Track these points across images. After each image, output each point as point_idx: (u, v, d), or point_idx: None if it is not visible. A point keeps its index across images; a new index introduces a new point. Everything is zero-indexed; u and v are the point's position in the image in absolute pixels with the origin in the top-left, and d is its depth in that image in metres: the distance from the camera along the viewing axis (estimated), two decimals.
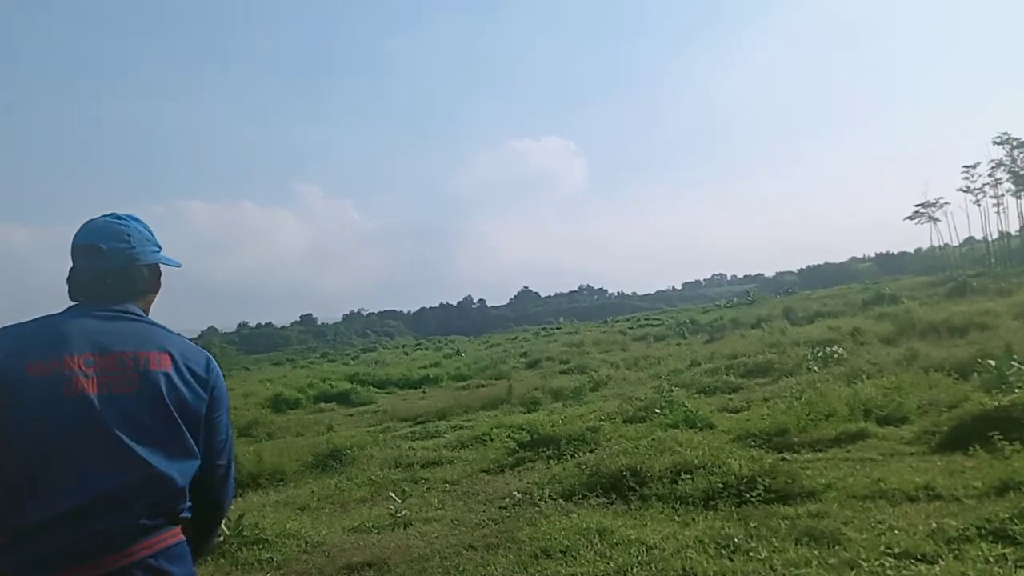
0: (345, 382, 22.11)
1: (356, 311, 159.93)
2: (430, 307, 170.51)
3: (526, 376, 20.01)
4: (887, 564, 3.88)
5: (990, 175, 54.60)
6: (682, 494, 5.56)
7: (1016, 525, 4.08)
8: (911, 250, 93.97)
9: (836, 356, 12.62)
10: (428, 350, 50.82)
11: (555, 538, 4.89)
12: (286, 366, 51.77)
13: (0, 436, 1.61)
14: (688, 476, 5.81)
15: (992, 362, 8.50)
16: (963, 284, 26.87)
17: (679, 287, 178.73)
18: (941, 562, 3.84)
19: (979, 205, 57.50)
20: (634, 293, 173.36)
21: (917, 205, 60.83)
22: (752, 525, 4.72)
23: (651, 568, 4.20)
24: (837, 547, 4.20)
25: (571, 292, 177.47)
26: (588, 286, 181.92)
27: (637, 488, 5.84)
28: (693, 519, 5.08)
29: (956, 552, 3.95)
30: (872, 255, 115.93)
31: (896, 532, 4.31)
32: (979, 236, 60.50)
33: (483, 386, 18.69)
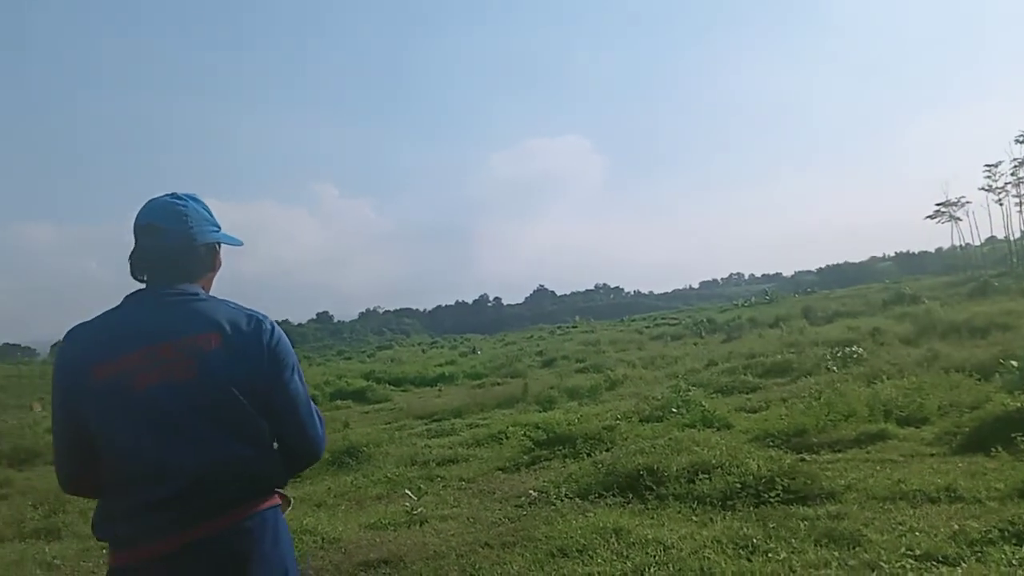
0: (361, 380, 22.20)
1: (372, 309, 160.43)
2: (446, 305, 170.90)
3: (542, 375, 19.99)
4: (908, 566, 3.83)
5: (1012, 174, 53.91)
6: (700, 494, 5.53)
7: None
8: (932, 250, 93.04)
9: (856, 356, 12.50)
10: (444, 348, 50.91)
11: (571, 537, 4.87)
12: (302, 363, 51.81)
13: (88, 435, 1.76)
14: (706, 476, 5.77)
15: (1014, 363, 8.39)
16: (985, 284, 26.60)
17: (696, 286, 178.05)
18: (963, 564, 3.78)
19: (1001, 204, 56.72)
20: (651, 292, 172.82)
21: (938, 204, 60.18)
22: (771, 526, 4.68)
23: (668, 568, 4.17)
24: (857, 548, 4.16)
25: (587, 291, 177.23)
26: (604, 285, 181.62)
27: (654, 487, 5.81)
28: (711, 519, 5.05)
29: (979, 554, 3.89)
30: (892, 254, 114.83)
31: (917, 534, 4.26)
32: (1001, 235, 59.74)
33: (499, 384, 18.68)
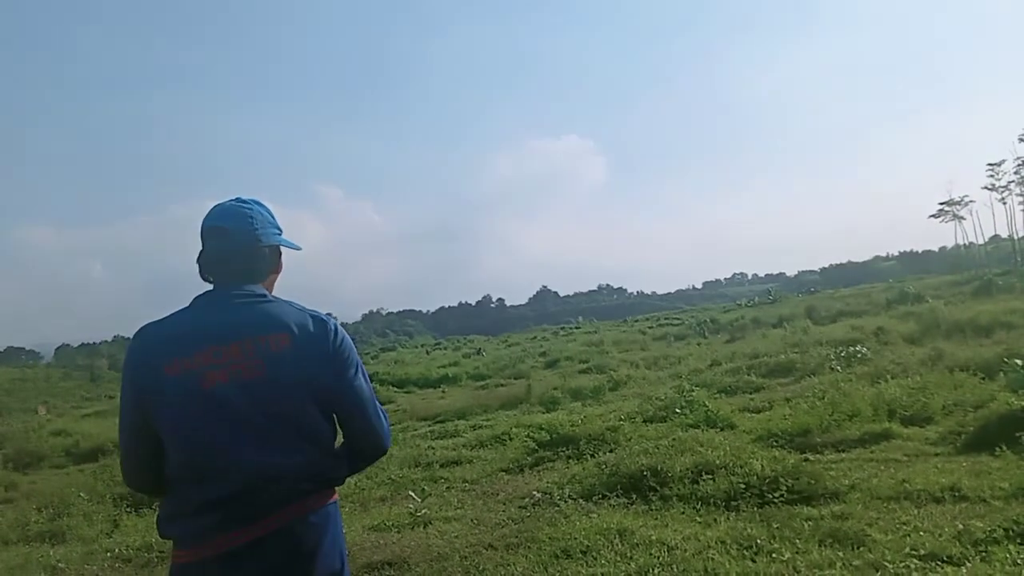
0: None
1: (375, 311, 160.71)
2: (449, 307, 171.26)
3: (545, 376, 20.00)
4: (912, 566, 3.82)
5: (1016, 172, 53.87)
6: (703, 494, 5.52)
7: None
8: (935, 248, 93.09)
9: (859, 356, 12.49)
10: (447, 349, 50.92)
11: (575, 538, 4.86)
12: None
13: (161, 432, 1.81)
14: (709, 476, 5.76)
15: (1019, 362, 8.36)
16: (989, 283, 26.49)
17: (699, 286, 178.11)
18: (968, 564, 3.77)
19: (1005, 203, 56.73)
20: (654, 292, 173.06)
21: (941, 203, 60.25)
22: (775, 526, 4.67)
23: (672, 569, 4.17)
24: (861, 548, 4.15)
25: (590, 291, 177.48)
26: (607, 285, 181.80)
27: (658, 488, 5.81)
28: (715, 520, 5.04)
29: (983, 554, 3.88)
30: (896, 254, 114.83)
31: (921, 534, 4.25)
32: (1005, 234, 59.73)
33: (502, 385, 18.71)
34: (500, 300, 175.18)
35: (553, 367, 22.89)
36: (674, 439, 6.96)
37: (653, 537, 4.69)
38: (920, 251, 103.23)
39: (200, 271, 1.97)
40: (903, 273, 76.40)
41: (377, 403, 2.07)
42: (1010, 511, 4.42)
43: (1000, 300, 19.44)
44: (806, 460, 6.15)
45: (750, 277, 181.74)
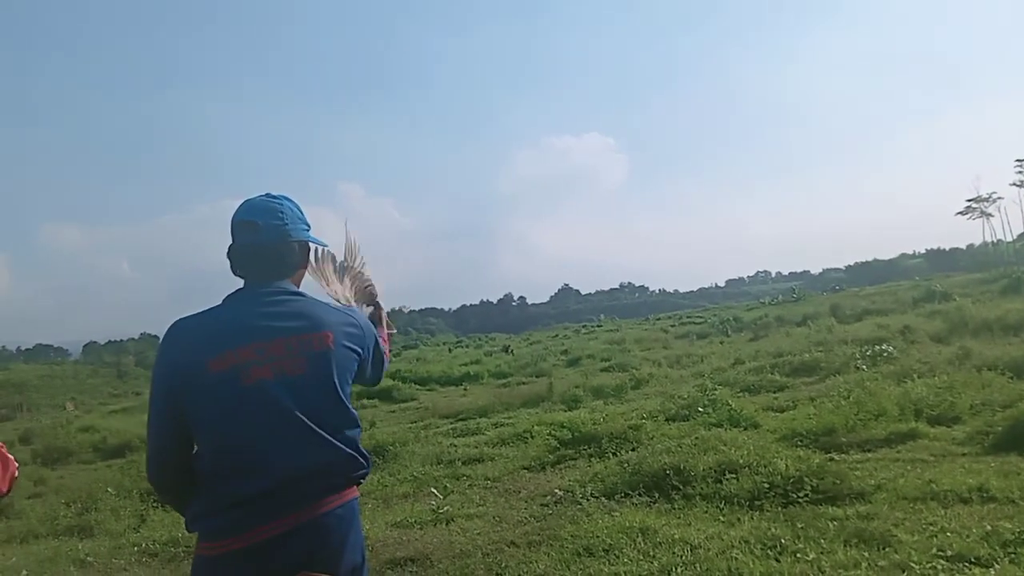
0: (387, 379, 22.29)
1: (397, 308, 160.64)
2: (471, 304, 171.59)
3: (567, 374, 19.99)
4: (940, 567, 3.78)
5: None
6: (727, 494, 5.48)
7: None
8: (963, 246, 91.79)
9: (885, 355, 12.35)
10: (469, 348, 51.03)
11: (597, 536, 4.86)
12: None
13: (198, 427, 1.83)
14: (733, 475, 5.73)
15: None
16: (1017, 281, 26.10)
17: (722, 284, 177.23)
18: (996, 566, 3.72)
19: None
20: (676, 290, 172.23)
21: (969, 200, 59.62)
22: (799, 526, 4.64)
23: (696, 568, 4.15)
24: (887, 549, 4.10)
25: (612, 289, 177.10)
26: (629, 283, 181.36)
27: (681, 487, 5.78)
28: (738, 519, 5.01)
29: (1012, 556, 3.82)
30: (923, 251, 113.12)
31: (948, 534, 4.19)
32: None
33: (524, 384, 18.70)
34: (522, 298, 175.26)
35: (575, 365, 22.87)
36: (697, 438, 6.93)
37: (676, 536, 4.67)
38: (947, 248, 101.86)
39: (231, 265, 2.00)
40: (930, 271, 75.42)
41: (385, 355, 2.31)
42: None
43: None
44: (831, 460, 6.09)
45: (774, 275, 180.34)
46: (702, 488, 5.68)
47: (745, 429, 7.93)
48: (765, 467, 5.70)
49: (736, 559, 4.16)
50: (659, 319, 58.26)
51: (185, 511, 1.91)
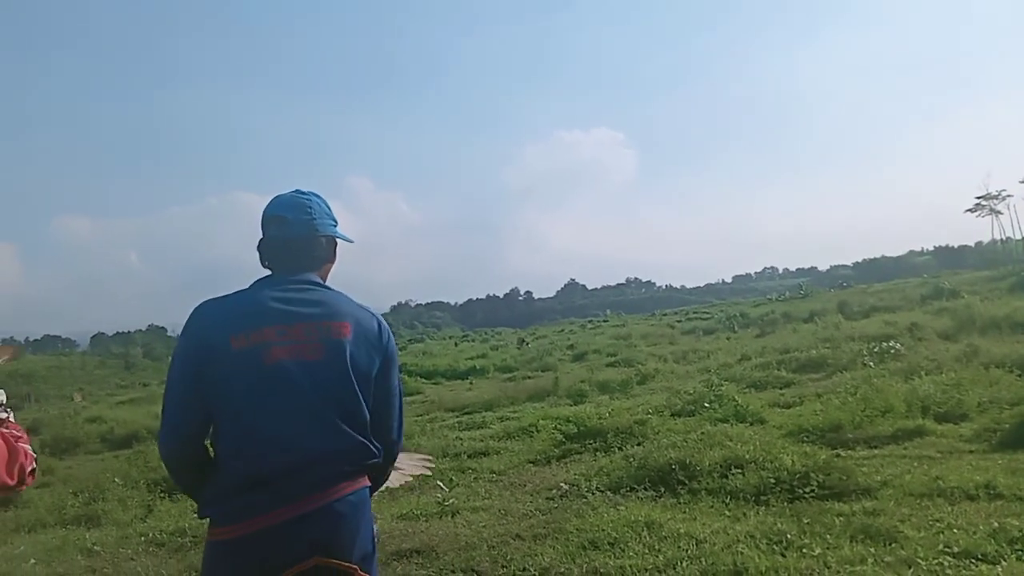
0: None
1: (404, 302, 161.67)
2: (477, 299, 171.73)
3: (572, 368, 19.99)
4: (946, 563, 3.77)
5: None
6: (732, 489, 5.48)
7: None
8: (972, 243, 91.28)
9: (893, 352, 12.31)
10: (475, 342, 51.07)
11: (603, 530, 4.86)
12: None
13: (216, 402, 1.85)
14: (739, 471, 5.72)
15: None
16: None
17: (729, 280, 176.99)
18: (1003, 563, 3.71)
19: None
20: (683, 286, 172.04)
21: (978, 197, 59.23)
22: (805, 521, 4.63)
23: (701, 562, 4.14)
24: (894, 545, 4.10)
25: (618, 284, 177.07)
26: (636, 279, 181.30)
27: (686, 482, 5.78)
28: (744, 514, 5.00)
29: (1019, 553, 3.81)
30: (931, 248, 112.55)
31: (955, 531, 4.18)
32: None
33: (529, 378, 18.71)
34: (528, 293, 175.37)
35: (580, 360, 22.88)
36: (703, 433, 6.92)
37: (681, 530, 4.67)
38: (956, 246, 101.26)
39: (260, 258, 2.06)
40: (938, 268, 74.98)
41: (401, 409, 2.16)
42: None
43: None
44: (837, 456, 6.08)
45: (781, 271, 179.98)
46: (708, 483, 5.68)
47: (751, 425, 7.93)
48: (771, 462, 5.69)
49: (742, 553, 4.16)
50: (665, 315, 58.23)
51: (197, 496, 1.94)
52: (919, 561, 3.81)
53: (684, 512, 5.21)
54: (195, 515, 6.61)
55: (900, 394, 7.86)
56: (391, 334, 2.10)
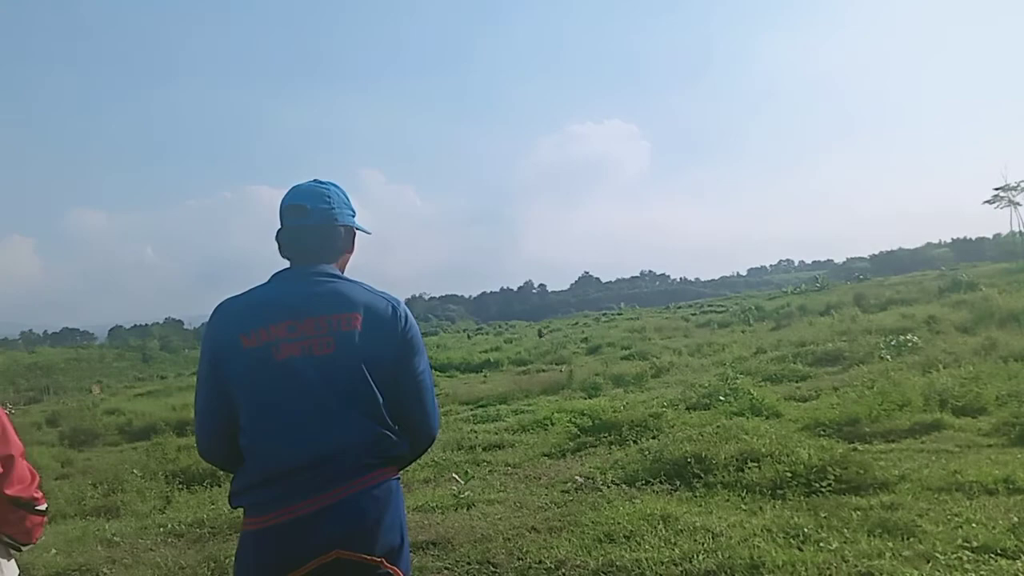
0: None
1: (417, 295, 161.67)
2: (491, 292, 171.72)
3: (587, 362, 19.97)
4: (965, 558, 3.74)
5: None
6: (749, 482, 5.47)
7: None
8: (990, 235, 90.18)
9: (910, 345, 12.23)
10: (489, 335, 51.10)
11: (618, 523, 4.86)
12: None
13: (237, 401, 1.89)
14: (755, 464, 5.70)
15: None
16: None
17: (744, 273, 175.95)
18: (1023, 558, 3.69)
19: None
20: (697, 279, 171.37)
21: (996, 188, 58.59)
22: (822, 515, 4.61)
23: (717, 556, 4.13)
24: (912, 539, 4.07)
25: (633, 277, 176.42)
26: (650, 271, 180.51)
27: (702, 475, 5.77)
28: (760, 508, 4.99)
29: None
30: (949, 240, 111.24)
31: (974, 525, 4.16)
32: None
33: (543, 371, 18.71)
34: (541, 286, 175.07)
35: (595, 353, 22.84)
36: (718, 426, 6.90)
37: (697, 523, 4.66)
38: (974, 238, 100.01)
39: (279, 248, 2.06)
40: (956, 260, 74.18)
41: (433, 391, 2.13)
42: None
43: None
44: (854, 450, 6.05)
45: (796, 264, 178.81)
46: (723, 476, 5.66)
47: (767, 418, 7.90)
48: (787, 456, 5.67)
49: (758, 547, 4.14)
50: (680, 308, 57.97)
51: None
52: (937, 556, 3.79)
53: (700, 506, 5.20)
54: (212, 506, 6.69)
55: (918, 388, 7.81)
56: (411, 319, 2.06)
